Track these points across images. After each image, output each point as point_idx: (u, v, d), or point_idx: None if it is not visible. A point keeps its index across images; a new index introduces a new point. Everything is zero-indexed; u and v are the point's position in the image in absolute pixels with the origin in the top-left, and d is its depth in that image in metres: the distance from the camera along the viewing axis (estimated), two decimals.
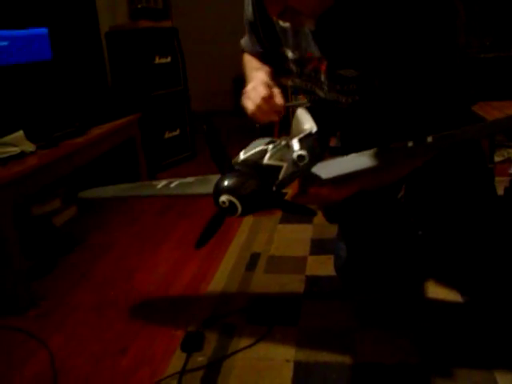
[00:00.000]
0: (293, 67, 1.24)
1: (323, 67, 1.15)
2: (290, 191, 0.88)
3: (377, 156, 0.92)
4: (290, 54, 1.21)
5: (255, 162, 0.86)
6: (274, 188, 0.83)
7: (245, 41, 1.39)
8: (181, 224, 2.18)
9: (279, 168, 0.85)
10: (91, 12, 2.77)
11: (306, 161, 0.88)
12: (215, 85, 4.52)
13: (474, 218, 1.33)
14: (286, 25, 1.16)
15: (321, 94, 1.23)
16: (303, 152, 0.88)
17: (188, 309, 1.53)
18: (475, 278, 1.40)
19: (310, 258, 1.77)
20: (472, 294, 1.42)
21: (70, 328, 1.49)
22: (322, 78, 1.17)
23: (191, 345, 1.34)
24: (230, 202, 0.78)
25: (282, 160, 0.86)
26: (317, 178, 0.90)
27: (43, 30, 2.24)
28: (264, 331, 1.37)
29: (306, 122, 1.00)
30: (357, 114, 1.24)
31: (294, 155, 0.88)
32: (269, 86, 1.08)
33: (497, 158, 2.41)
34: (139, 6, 3.08)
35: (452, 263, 1.49)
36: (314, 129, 0.97)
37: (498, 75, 2.51)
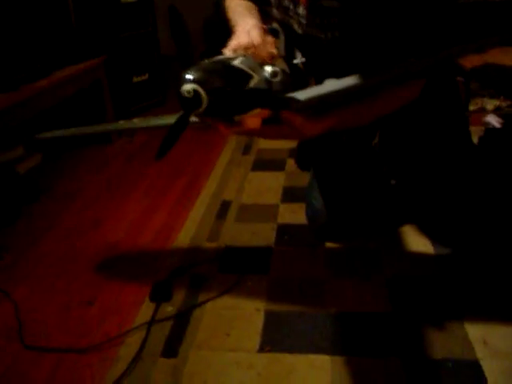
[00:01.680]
0: None
1: None
2: (257, 117, 0.81)
3: (356, 78, 0.87)
4: None
5: (224, 61, 0.80)
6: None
7: None
8: (149, 171, 2.11)
9: (249, 76, 0.78)
10: None
11: (279, 78, 0.82)
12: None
13: (448, 166, 1.31)
14: None
15: (298, 29, 1.16)
16: (277, 68, 0.83)
17: (157, 258, 1.50)
18: (447, 227, 1.41)
19: (282, 206, 1.74)
20: (444, 243, 1.42)
21: (35, 279, 1.45)
22: (301, 10, 1.10)
23: (160, 295, 1.32)
24: (195, 91, 0.71)
25: (252, 70, 0.79)
26: (292, 100, 0.83)
27: None
28: (234, 280, 1.35)
29: (281, 65, 0.93)
30: (336, 53, 1.18)
31: (267, 71, 0.81)
32: (262, 33, 0.98)
33: (470, 107, 2.39)
34: None
35: (424, 212, 1.48)
36: (287, 71, 0.91)
37: (477, 21, 2.46)
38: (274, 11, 1.19)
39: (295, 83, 0.90)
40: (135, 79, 2.98)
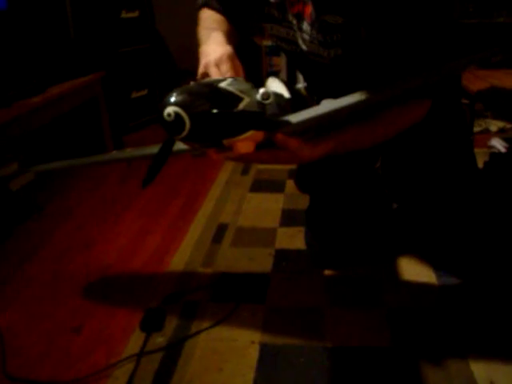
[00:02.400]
0: (274, 12, 1.12)
1: (307, 11, 1.04)
2: (250, 142, 0.76)
3: (353, 97, 0.83)
4: None
5: (211, 83, 0.76)
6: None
7: None
8: (144, 192, 2.05)
9: (238, 98, 0.74)
10: None
11: (271, 100, 0.77)
12: (186, 42, 4.33)
13: (452, 191, 1.26)
14: None
15: (302, 45, 1.12)
16: (268, 90, 0.78)
17: (149, 284, 1.44)
18: (451, 255, 1.36)
19: (280, 230, 1.69)
20: (448, 272, 1.37)
21: (21, 304, 1.39)
22: (305, 25, 1.06)
23: (151, 324, 1.26)
24: (177, 114, 0.68)
25: (242, 92, 0.75)
26: (283, 122, 0.79)
27: None
28: (229, 309, 1.29)
29: (280, 89, 0.88)
30: (339, 72, 1.13)
31: (259, 93, 0.77)
32: (232, 61, 0.95)
33: (474, 129, 2.35)
34: None
35: (427, 239, 1.44)
36: (287, 95, 0.87)
37: (480, 42, 2.43)
38: (279, 28, 1.15)
39: (294, 106, 0.85)
40: (134, 95, 2.95)
